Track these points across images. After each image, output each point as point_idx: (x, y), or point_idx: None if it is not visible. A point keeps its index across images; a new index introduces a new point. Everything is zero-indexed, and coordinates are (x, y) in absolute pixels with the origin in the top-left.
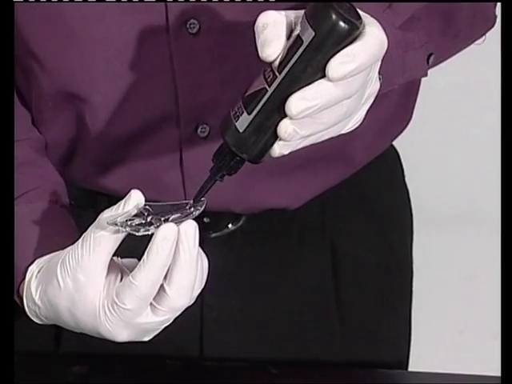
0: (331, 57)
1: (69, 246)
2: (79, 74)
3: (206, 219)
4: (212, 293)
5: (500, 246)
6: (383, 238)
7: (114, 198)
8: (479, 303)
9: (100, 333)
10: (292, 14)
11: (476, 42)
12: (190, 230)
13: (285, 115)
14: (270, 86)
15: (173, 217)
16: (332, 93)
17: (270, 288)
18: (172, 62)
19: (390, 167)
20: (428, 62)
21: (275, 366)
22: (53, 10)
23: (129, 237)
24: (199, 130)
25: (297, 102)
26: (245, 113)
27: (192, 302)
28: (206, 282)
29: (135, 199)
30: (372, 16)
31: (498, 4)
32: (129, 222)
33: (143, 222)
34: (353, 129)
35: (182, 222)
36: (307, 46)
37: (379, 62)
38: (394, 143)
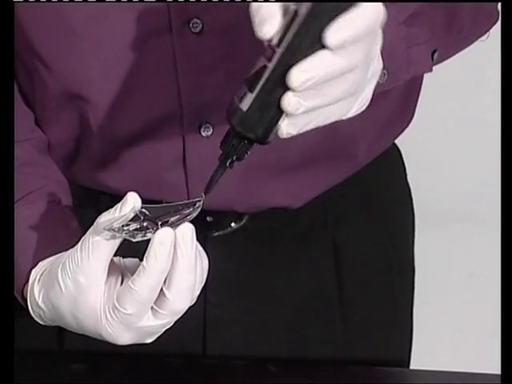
0: (328, 26)
1: (72, 246)
2: (82, 73)
3: (208, 218)
4: (215, 291)
5: (500, 245)
6: (385, 236)
7: (117, 198)
8: (479, 301)
9: (102, 336)
10: None
11: (480, 39)
12: (186, 232)
13: (287, 89)
14: (270, 62)
15: (171, 219)
16: (333, 62)
17: (272, 286)
18: (175, 62)
19: (391, 166)
20: (432, 59)
21: (275, 364)
22: (55, 10)
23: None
24: (202, 129)
25: (298, 74)
26: (248, 92)
27: (193, 303)
28: (209, 281)
29: (132, 202)
30: None
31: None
32: (125, 228)
33: (140, 226)
34: (359, 111)
35: (179, 224)
36: (304, 18)
37: (380, 39)
38: (396, 142)
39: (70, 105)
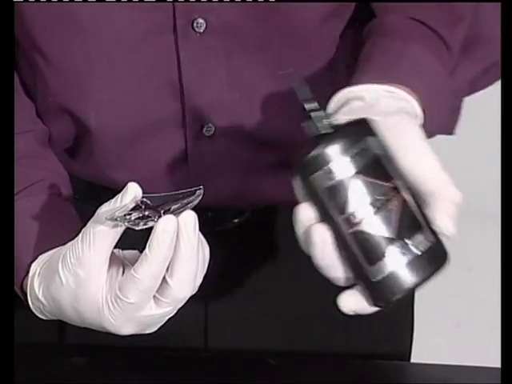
0: None
1: (72, 239)
2: (84, 70)
3: (210, 214)
4: (216, 287)
5: (500, 239)
6: None
7: (119, 193)
8: (479, 295)
9: (104, 327)
10: None
11: None
12: (189, 220)
13: None
14: None
15: (172, 207)
16: None
17: (273, 281)
18: (178, 61)
19: None
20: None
21: (275, 357)
22: (59, 6)
23: (130, 229)
24: (205, 129)
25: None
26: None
27: (195, 291)
28: (211, 275)
29: (133, 192)
30: None
31: None
32: (127, 217)
33: (141, 215)
34: None
35: (181, 212)
36: None
37: None
38: None
39: (71, 102)
